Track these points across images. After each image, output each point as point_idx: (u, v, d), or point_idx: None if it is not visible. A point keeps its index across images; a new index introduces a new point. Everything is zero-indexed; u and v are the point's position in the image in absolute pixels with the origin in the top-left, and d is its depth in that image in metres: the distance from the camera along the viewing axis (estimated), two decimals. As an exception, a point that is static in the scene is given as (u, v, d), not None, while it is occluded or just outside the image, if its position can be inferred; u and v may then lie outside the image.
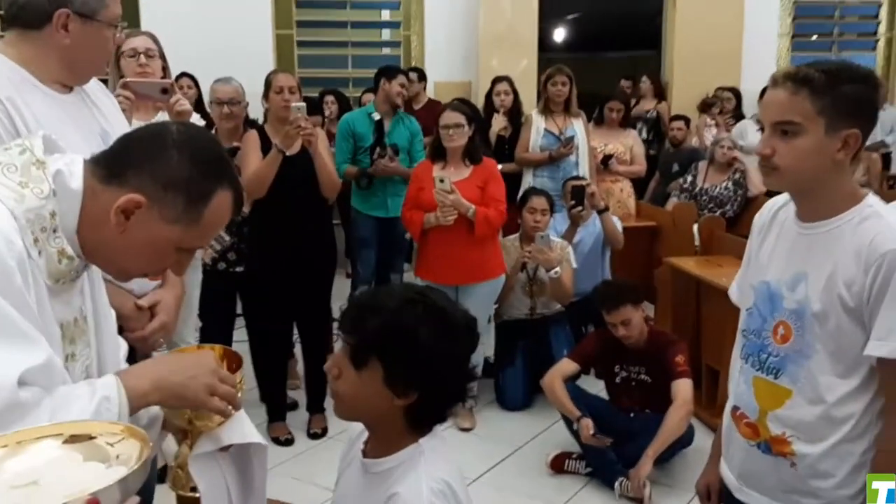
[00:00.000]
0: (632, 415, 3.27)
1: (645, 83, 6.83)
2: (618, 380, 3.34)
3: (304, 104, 3.18)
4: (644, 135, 6.45)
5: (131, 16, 6.06)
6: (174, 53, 4.93)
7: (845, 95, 1.37)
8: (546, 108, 4.63)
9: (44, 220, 1.07)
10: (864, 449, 1.44)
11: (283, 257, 3.40)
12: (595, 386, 3.64)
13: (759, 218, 1.64)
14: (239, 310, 3.81)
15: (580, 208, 4.05)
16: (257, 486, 1.32)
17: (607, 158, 4.92)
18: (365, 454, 1.34)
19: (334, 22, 7.30)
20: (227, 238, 3.56)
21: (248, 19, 6.51)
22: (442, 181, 3.33)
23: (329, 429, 3.63)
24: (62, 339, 1.13)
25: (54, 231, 1.08)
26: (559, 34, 14.52)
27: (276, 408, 3.64)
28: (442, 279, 3.51)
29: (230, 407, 1.18)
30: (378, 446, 1.32)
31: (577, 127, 4.63)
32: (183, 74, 5.33)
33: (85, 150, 1.63)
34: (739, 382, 1.60)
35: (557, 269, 3.69)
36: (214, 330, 3.76)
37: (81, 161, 1.12)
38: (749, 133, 5.80)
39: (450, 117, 3.46)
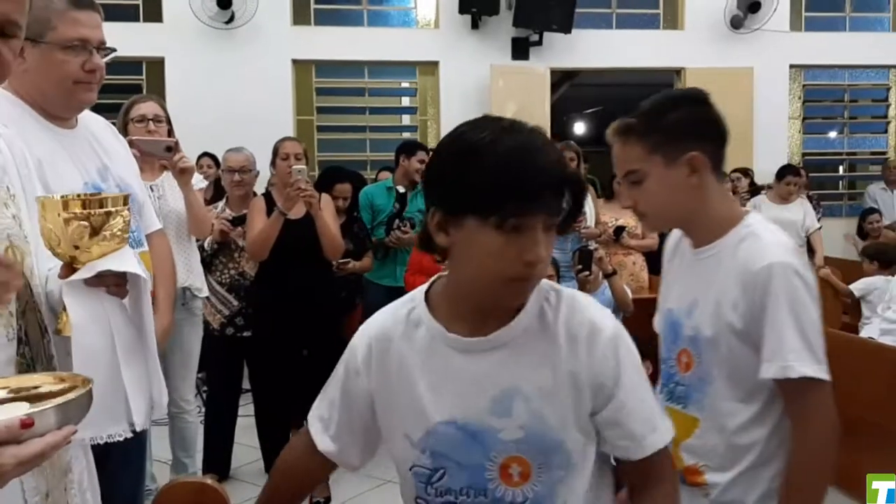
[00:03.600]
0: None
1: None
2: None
3: (304, 167, 3.29)
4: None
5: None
6: (198, 138, 5.18)
7: (669, 124, 1.40)
8: (554, 182, 4.70)
9: None
10: (771, 475, 1.40)
11: (285, 321, 3.42)
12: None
13: (667, 246, 1.65)
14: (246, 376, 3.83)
15: (587, 273, 4.05)
16: (148, 333, 1.29)
17: (619, 230, 4.95)
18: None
19: (353, 108, 7.59)
20: (235, 302, 3.61)
21: (271, 105, 6.80)
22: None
23: (332, 498, 3.55)
24: None
25: None
26: (579, 128, 14.94)
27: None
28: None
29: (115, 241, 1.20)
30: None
31: (586, 201, 4.67)
32: (204, 154, 5.54)
33: (77, 179, 1.69)
34: None
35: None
36: (221, 397, 3.76)
37: None
38: (763, 207, 5.82)
39: (453, 183, 3.53)
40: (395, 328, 1.18)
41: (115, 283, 1.22)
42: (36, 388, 0.96)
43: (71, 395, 0.89)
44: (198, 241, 3.28)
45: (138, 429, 1.26)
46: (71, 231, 1.16)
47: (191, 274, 3.07)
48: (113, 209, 1.19)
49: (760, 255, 1.37)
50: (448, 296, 1.16)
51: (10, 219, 1.20)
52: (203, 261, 3.38)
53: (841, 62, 7.74)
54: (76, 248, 1.18)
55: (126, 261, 1.22)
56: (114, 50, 1.75)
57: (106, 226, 1.17)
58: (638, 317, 4.37)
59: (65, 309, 1.21)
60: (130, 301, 1.27)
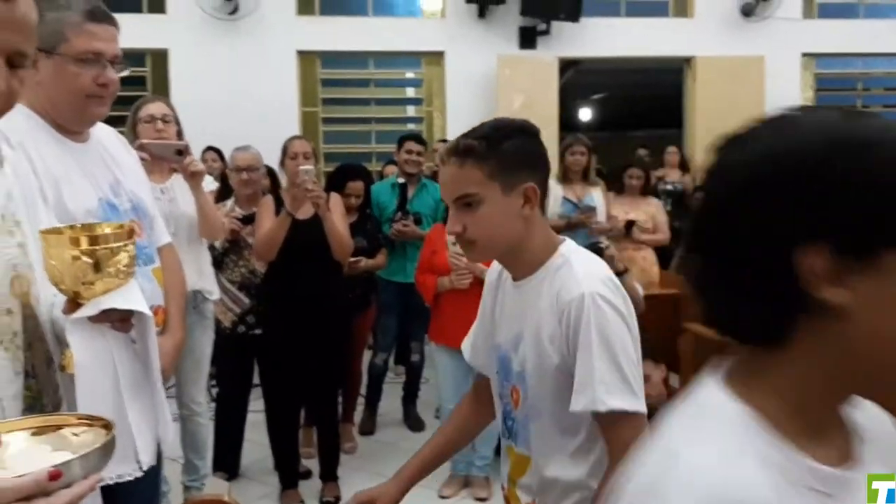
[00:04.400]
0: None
1: (670, 153, 6.86)
2: (638, 446, 3.21)
3: (311, 168, 3.23)
4: (668, 207, 6.45)
5: (162, 93, 6.31)
6: (202, 129, 5.14)
7: (508, 152, 1.37)
8: (564, 177, 4.66)
9: None
10: None
11: (295, 322, 3.39)
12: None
13: (489, 276, 1.61)
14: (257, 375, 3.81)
15: None
16: (154, 369, 1.28)
17: (630, 224, 4.90)
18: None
19: (358, 99, 7.53)
20: (246, 300, 3.58)
21: (275, 97, 6.76)
22: (455, 243, 3.32)
23: (342, 497, 3.54)
24: None
25: None
26: (585, 114, 14.86)
27: (288, 475, 3.57)
28: (456, 343, 3.43)
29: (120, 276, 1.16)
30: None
31: (596, 196, 4.64)
32: (209, 148, 5.49)
33: (92, 196, 1.66)
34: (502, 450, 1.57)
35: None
36: (232, 395, 3.74)
37: None
38: None
39: (463, 180, 3.48)
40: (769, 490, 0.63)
41: (119, 319, 1.20)
42: (59, 427, 0.95)
43: (96, 444, 0.88)
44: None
45: (145, 467, 1.24)
46: (76, 268, 1.14)
47: (202, 277, 3.04)
48: (118, 244, 1.17)
49: (572, 286, 1.35)
50: (804, 403, 0.68)
51: (16, 247, 1.17)
52: (214, 259, 3.36)
53: (854, 50, 7.64)
54: (81, 284, 1.16)
55: (131, 298, 1.20)
56: (128, 66, 1.70)
57: (111, 261, 1.15)
58: (648, 314, 4.33)
59: (68, 345, 1.19)
60: (141, 343, 1.25)
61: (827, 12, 7.69)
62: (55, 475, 0.82)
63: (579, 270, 1.37)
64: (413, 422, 4.50)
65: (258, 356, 3.70)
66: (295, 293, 3.37)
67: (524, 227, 1.40)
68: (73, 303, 1.18)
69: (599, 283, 1.35)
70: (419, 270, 3.60)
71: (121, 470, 1.22)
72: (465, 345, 1.65)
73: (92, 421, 0.98)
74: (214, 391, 4.17)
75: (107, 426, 0.95)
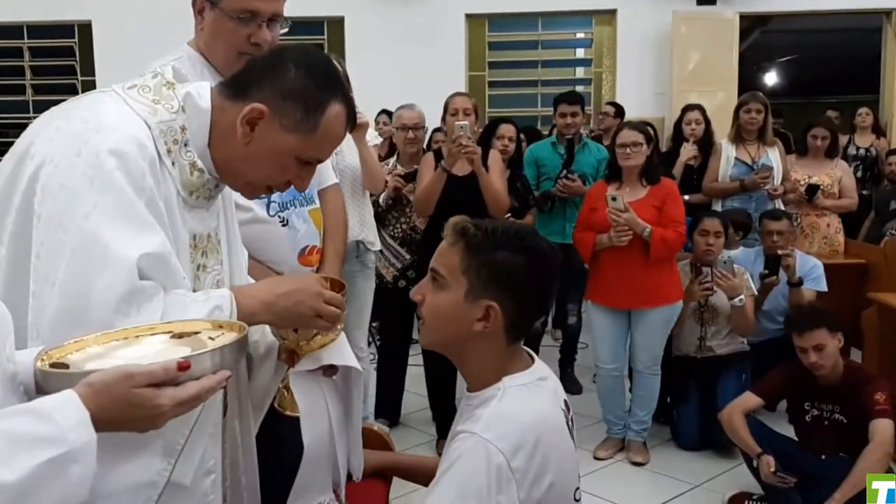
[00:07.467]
0: (823, 457, 2.93)
1: (862, 115, 6.25)
2: (808, 418, 3.01)
3: (467, 123, 3.24)
4: (859, 173, 5.91)
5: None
6: (371, 91, 5.34)
7: (494, 262, 1.27)
8: (738, 137, 4.39)
9: (175, 133, 1.17)
10: None
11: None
12: (787, 430, 3.30)
13: None
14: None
15: (774, 278, 3.76)
16: (355, 411, 1.41)
17: (813, 189, 4.53)
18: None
19: (525, 62, 7.47)
20: (407, 256, 3.70)
21: (443, 61, 6.85)
22: (614, 199, 3.24)
23: None
24: (194, 249, 1.22)
25: (185, 145, 1.18)
26: (770, 78, 13.84)
27: (444, 426, 3.67)
28: (615, 303, 3.40)
29: (337, 326, 1.27)
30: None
31: (773, 157, 4.34)
32: (382, 111, 5.68)
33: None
34: None
35: (742, 296, 3.43)
36: (394, 346, 3.88)
37: (209, 86, 1.23)
38: None
39: (627, 135, 3.38)
40: None
41: (328, 367, 1.37)
42: (196, 333, 1.01)
43: (225, 341, 0.93)
44: (373, 196, 3.37)
45: (341, 498, 1.37)
46: (302, 330, 1.30)
47: (364, 228, 3.16)
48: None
49: (475, 424, 1.22)
50: None
51: (219, 264, 1.30)
52: (377, 215, 3.48)
53: None
54: (303, 341, 1.32)
55: (344, 354, 1.36)
56: (289, 23, 1.70)
57: None
58: (831, 284, 4.00)
59: (288, 389, 1.36)
60: (343, 385, 1.41)
61: None
62: (184, 366, 0.86)
63: (496, 410, 1.23)
64: (570, 385, 4.46)
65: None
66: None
67: (474, 340, 1.29)
68: (291, 352, 1.31)
69: (503, 438, 1.19)
70: (577, 228, 3.55)
71: (320, 498, 1.38)
72: None
73: (228, 326, 1.04)
74: (378, 343, 4.36)
75: (241, 329, 1.00)
